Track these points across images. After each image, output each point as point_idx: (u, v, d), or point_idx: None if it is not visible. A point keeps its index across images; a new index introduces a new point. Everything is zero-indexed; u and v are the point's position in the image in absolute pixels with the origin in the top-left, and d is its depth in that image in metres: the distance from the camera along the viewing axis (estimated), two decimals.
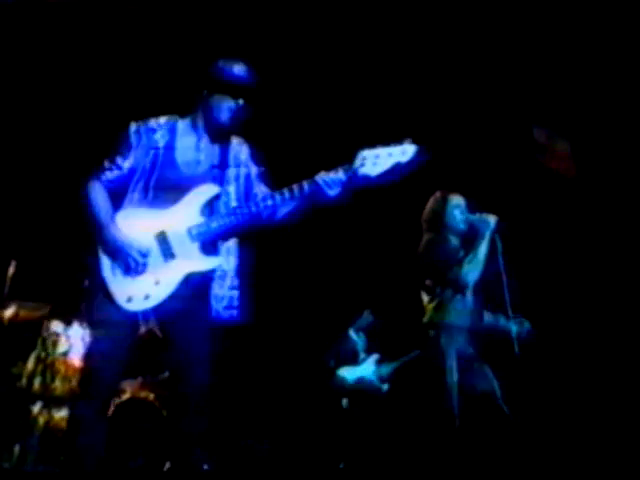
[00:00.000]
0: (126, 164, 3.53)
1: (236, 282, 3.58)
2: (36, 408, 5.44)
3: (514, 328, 4.50)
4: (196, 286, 3.45)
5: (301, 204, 3.51)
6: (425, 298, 4.66)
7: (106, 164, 3.55)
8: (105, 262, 3.42)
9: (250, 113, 3.57)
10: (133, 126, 3.59)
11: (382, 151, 3.42)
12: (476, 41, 6.39)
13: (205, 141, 3.60)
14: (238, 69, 3.56)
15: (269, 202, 3.47)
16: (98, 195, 3.50)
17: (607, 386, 5.64)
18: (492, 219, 4.59)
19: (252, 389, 6.86)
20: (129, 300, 3.37)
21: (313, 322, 6.99)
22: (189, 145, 3.58)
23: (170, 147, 3.55)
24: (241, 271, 3.63)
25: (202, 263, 3.45)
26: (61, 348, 5.56)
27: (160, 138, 3.55)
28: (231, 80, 3.53)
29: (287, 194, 3.46)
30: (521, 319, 4.63)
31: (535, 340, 4.63)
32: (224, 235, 3.51)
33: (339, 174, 3.43)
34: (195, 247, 3.44)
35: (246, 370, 6.86)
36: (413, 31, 6.41)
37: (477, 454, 4.20)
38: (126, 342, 3.41)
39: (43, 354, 5.54)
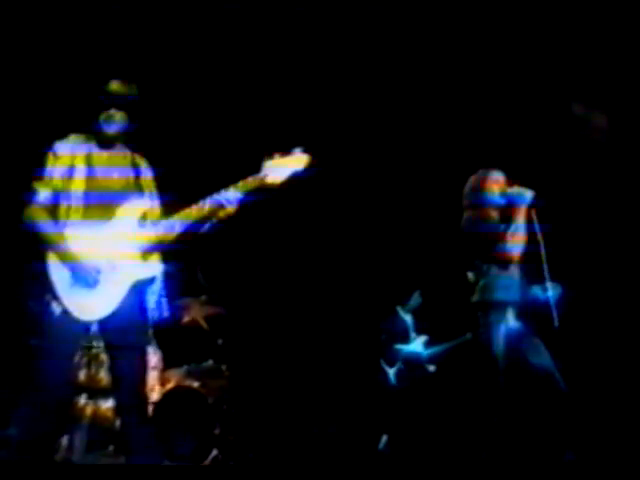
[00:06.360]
0: (54, 181, 3.75)
1: (163, 290, 4.14)
2: (82, 399, 5.44)
3: (550, 294, 4.60)
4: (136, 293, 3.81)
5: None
6: (471, 276, 4.72)
7: (36, 185, 3.75)
8: (59, 275, 3.68)
9: (136, 123, 3.88)
10: (55, 145, 3.82)
11: (281, 161, 3.86)
12: (512, 17, 6.20)
13: (112, 155, 3.87)
14: (116, 85, 3.81)
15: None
16: (39, 215, 3.71)
17: None
18: (529, 193, 4.68)
19: (307, 366, 6.96)
20: (83, 311, 3.67)
21: (363, 301, 7.02)
22: (103, 162, 3.85)
23: (89, 163, 3.80)
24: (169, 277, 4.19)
25: (146, 270, 3.84)
26: None
27: (78, 155, 3.80)
28: (111, 95, 3.79)
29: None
30: (555, 284, 4.68)
31: (570, 303, 4.70)
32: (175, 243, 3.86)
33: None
34: (137, 256, 3.78)
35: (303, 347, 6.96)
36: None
37: (531, 430, 4.33)
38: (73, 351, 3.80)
39: (87, 346, 5.37)
